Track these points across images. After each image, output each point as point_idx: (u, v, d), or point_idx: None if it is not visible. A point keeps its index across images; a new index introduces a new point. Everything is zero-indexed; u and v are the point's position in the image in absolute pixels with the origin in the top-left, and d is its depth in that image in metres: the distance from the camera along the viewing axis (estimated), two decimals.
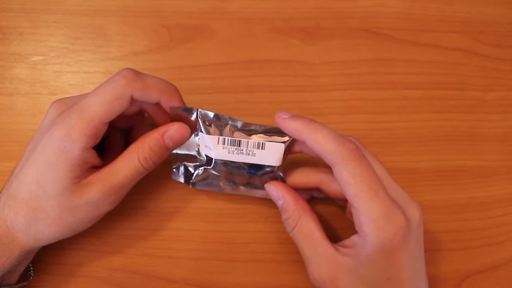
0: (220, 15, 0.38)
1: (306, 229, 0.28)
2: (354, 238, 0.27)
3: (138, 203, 0.34)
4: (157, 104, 0.29)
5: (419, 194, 0.35)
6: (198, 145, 0.30)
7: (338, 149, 0.27)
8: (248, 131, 0.29)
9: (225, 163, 0.29)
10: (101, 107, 0.26)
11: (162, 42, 0.37)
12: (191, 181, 0.32)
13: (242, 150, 0.29)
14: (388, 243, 0.25)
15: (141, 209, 0.34)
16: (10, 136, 0.35)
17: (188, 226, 0.34)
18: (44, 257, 0.32)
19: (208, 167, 0.30)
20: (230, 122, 0.29)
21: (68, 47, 0.37)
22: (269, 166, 0.29)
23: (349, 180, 0.26)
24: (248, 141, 0.29)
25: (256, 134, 0.29)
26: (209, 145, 0.29)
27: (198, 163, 0.31)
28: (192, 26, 0.38)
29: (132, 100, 0.27)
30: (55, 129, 0.26)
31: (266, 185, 0.30)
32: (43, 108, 0.35)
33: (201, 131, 0.29)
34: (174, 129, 0.29)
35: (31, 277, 0.31)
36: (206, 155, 0.30)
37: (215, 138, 0.29)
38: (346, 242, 0.28)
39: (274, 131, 0.29)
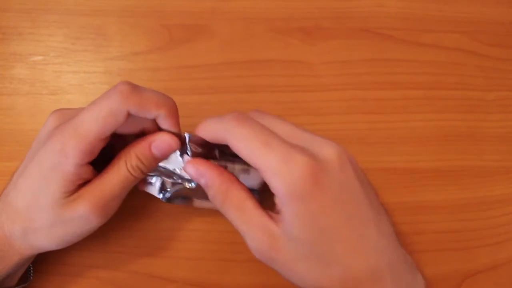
0: (220, 15, 0.38)
1: (236, 200, 0.26)
2: (275, 200, 0.25)
3: (138, 203, 0.34)
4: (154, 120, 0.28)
5: (419, 194, 0.35)
6: (182, 165, 0.30)
7: (221, 124, 0.26)
8: (233, 156, 0.28)
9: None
10: (95, 124, 0.25)
11: (162, 42, 0.37)
12: (166, 196, 0.31)
13: None
14: (299, 189, 0.23)
15: (141, 209, 0.34)
16: (10, 136, 0.35)
17: (188, 226, 0.34)
18: (44, 257, 0.31)
19: (187, 185, 0.30)
20: (217, 148, 0.28)
21: (68, 47, 0.37)
22: (251, 188, 0.29)
23: (239, 145, 0.25)
24: (234, 166, 0.28)
25: (239, 162, 0.29)
26: None
27: (177, 181, 0.30)
28: (192, 26, 0.38)
29: (129, 115, 0.26)
30: (50, 143, 0.26)
31: (184, 166, 0.28)
32: (43, 108, 0.35)
33: (188, 154, 0.28)
34: (162, 140, 0.28)
35: (30, 278, 0.31)
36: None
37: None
38: (276, 208, 0.26)
39: None
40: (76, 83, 0.36)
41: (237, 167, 0.29)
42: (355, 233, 0.25)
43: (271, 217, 0.26)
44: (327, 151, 0.25)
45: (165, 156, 0.29)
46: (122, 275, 0.33)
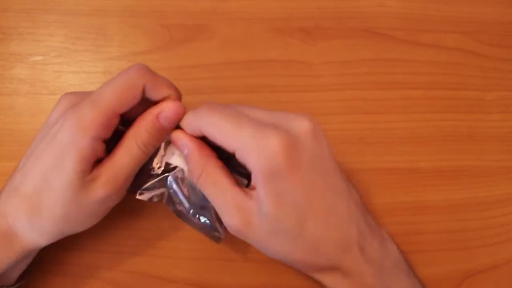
0: (220, 15, 0.38)
1: (212, 176, 0.27)
2: (252, 178, 0.26)
3: (138, 203, 0.34)
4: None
5: (419, 194, 0.35)
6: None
7: (195, 116, 0.27)
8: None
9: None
10: (114, 97, 0.26)
11: (162, 42, 0.37)
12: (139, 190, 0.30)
13: None
14: (273, 164, 0.24)
15: (141, 209, 0.34)
16: (10, 136, 0.35)
17: (188, 226, 0.34)
18: (44, 257, 0.31)
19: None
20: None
21: (68, 47, 0.37)
22: None
23: (213, 131, 0.25)
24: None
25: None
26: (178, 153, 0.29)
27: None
28: (192, 26, 0.38)
29: (144, 92, 0.26)
30: (66, 118, 0.25)
31: (171, 134, 0.28)
32: (43, 108, 0.35)
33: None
34: (169, 109, 0.27)
35: (28, 276, 0.30)
36: (167, 163, 0.29)
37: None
38: (251, 185, 0.26)
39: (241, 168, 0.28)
40: (76, 83, 0.36)
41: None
42: (325, 207, 0.25)
43: (246, 194, 0.26)
44: (300, 123, 0.25)
45: (173, 126, 0.28)
46: (122, 275, 0.33)
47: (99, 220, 0.28)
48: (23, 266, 0.29)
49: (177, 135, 0.28)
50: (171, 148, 0.29)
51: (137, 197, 0.30)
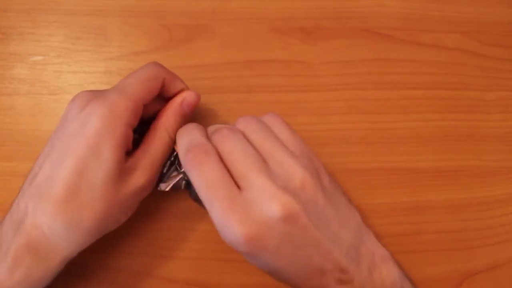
0: (220, 15, 0.38)
1: None
2: None
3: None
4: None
5: (419, 194, 0.35)
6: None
7: (181, 151, 0.27)
8: None
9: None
10: (139, 86, 0.27)
11: (162, 42, 0.37)
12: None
13: None
14: (240, 249, 0.25)
15: (141, 209, 0.34)
16: (10, 136, 0.35)
17: (188, 226, 0.34)
18: None
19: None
20: None
21: (68, 47, 0.37)
22: None
23: (194, 184, 0.26)
24: None
25: None
26: None
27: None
28: (192, 26, 0.38)
29: (163, 84, 0.29)
30: (94, 108, 0.25)
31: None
32: (43, 108, 0.35)
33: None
34: (189, 96, 0.30)
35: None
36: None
37: None
38: None
39: None
40: (76, 83, 0.36)
41: None
42: (298, 270, 0.26)
43: None
44: (270, 209, 0.24)
45: (192, 111, 0.31)
46: (122, 275, 0.33)
47: (129, 215, 0.29)
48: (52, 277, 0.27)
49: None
50: None
51: (158, 188, 0.30)
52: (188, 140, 0.27)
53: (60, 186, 0.24)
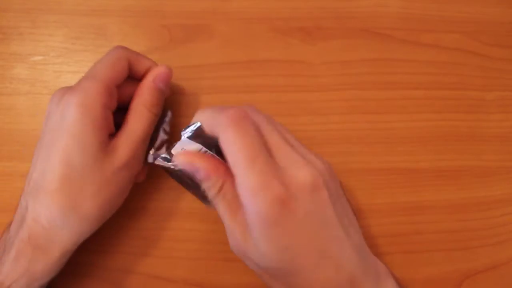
0: (220, 15, 0.38)
1: (229, 194, 0.27)
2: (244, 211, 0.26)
3: (138, 203, 0.34)
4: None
5: (419, 194, 0.35)
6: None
7: (217, 118, 0.26)
8: None
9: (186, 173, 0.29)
10: (107, 69, 0.28)
11: (162, 42, 0.37)
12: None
13: None
14: (266, 214, 0.24)
15: (141, 209, 0.34)
16: (10, 136, 0.35)
17: (188, 226, 0.34)
18: None
19: (167, 164, 0.30)
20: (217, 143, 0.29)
21: (68, 47, 0.37)
22: None
23: (228, 148, 0.25)
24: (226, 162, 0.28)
25: None
26: (188, 150, 0.29)
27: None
28: (192, 26, 0.38)
29: (129, 65, 0.30)
30: (68, 99, 0.26)
31: (174, 157, 0.29)
32: (43, 108, 0.35)
33: (187, 136, 0.29)
34: (160, 72, 0.31)
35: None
36: (173, 155, 0.29)
37: (198, 146, 0.28)
38: None
39: None
40: None
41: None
42: (318, 251, 0.25)
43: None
44: (303, 174, 0.25)
45: (168, 86, 0.32)
46: (122, 275, 0.33)
47: (126, 196, 0.29)
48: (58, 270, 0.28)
49: (183, 159, 0.28)
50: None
51: (150, 161, 0.31)
52: (219, 108, 0.27)
53: (52, 178, 0.25)
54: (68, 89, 0.28)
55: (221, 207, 0.27)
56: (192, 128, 0.28)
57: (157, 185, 0.34)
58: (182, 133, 0.29)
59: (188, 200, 0.34)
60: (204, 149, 0.28)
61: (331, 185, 0.26)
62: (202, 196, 0.30)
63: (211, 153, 0.28)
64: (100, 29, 0.37)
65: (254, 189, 0.24)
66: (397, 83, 0.38)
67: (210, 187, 0.28)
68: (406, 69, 0.38)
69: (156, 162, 0.30)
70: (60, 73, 0.36)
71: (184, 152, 0.28)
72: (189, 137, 0.28)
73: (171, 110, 0.33)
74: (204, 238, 0.34)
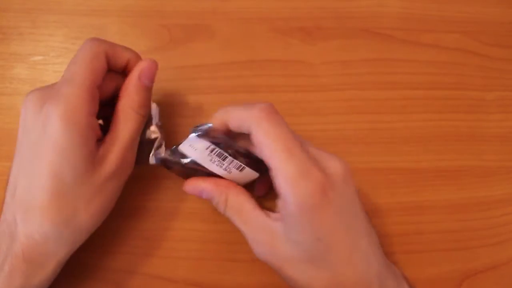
0: (220, 15, 0.38)
1: (236, 204, 0.28)
2: (278, 202, 0.26)
3: (138, 203, 0.34)
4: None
5: (419, 194, 0.35)
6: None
7: (249, 112, 0.26)
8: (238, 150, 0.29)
9: (194, 167, 0.29)
10: (84, 70, 0.26)
11: (162, 42, 0.37)
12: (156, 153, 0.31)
13: (223, 164, 0.28)
14: (307, 202, 0.24)
15: (141, 209, 0.34)
16: (10, 136, 0.35)
17: (188, 226, 0.34)
18: None
19: (176, 159, 0.29)
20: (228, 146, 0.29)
21: (68, 47, 0.37)
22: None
23: (264, 140, 0.25)
24: (232, 160, 0.28)
25: (239, 157, 0.29)
26: (196, 147, 0.28)
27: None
28: (192, 26, 0.38)
29: (107, 58, 0.27)
30: (49, 110, 0.24)
31: (184, 188, 0.30)
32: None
33: (196, 134, 0.28)
34: (145, 68, 0.29)
35: None
36: (180, 151, 0.29)
37: (206, 143, 0.28)
38: (277, 208, 0.27)
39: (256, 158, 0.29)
40: None
41: (235, 162, 0.29)
42: (349, 243, 0.26)
43: (268, 216, 0.27)
44: (336, 167, 0.26)
45: (153, 81, 0.29)
46: (122, 275, 0.33)
47: (115, 202, 0.29)
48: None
49: (190, 187, 0.29)
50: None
51: (152, 162, 0.30)
52: (246, 105, 0.27)
53: (41, 194, 0.25)
54: (47, 96, 0.26)
55: (235, 219, 0.28)
56: (203, 127, 0.28)
57: (157, 185, 0.34)
58: (190, 129, 0.29)
59: (189, 200, 0.34)
60: (212, 146, 0.28)
61: (353, 179, 0.27)
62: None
63: (220, 150, 0.28)
64: (100, 29, 0.37)
65: (295, 177, 0.24)
66: (397, 83, 0.38)
67: (217, 204, 0.29)
68: (406, 69, 0.38)
69: (160, 163, 0.30)
70: (60, 73, 0.36)
71: (189, 181, 0.30)
72: (198, 135, 0.28)
73: (157, 103, 0.32)
74: (205, 238, 0.34)
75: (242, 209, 0.28)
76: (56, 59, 0.37)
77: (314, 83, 0.37)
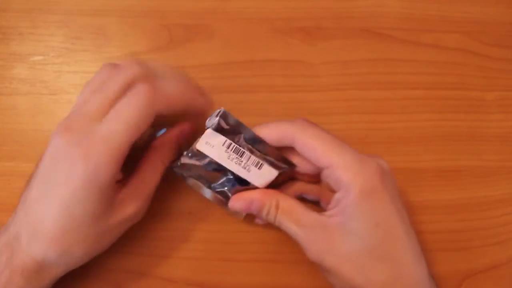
0: (220, 15, 0.38)
1: (287, 206, 0.28)
2: (336, 196, 0.27)
3: None
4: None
5: (419, 194, 0.35)
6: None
7: (291, 125, 0.28)
8: (253, 145, 0.29)
9: (213, 167, 0.29)
10: (127, 134, 0.25)
11: (162, 42, 0.37)
12: (175, 164, 0.30)
13: (242, 161, 0.28)
14: (368, 186, 0.26)
15: None
16: (10, 136, 0.35)
17: (188, 226, 0.34)
18: None
19: (191, 161, 0.29)
20: (243, 132, 0.28)
21: (68, 47, 0.37)
22: (252, 185, 0.29)
23: (313, 143, 0.27)
24: (250, 156, 0.28)
25: (256, 154, 0.29)
26: (213, 143, 0.28)
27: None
28: (192, 26, 0.38)
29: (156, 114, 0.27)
30: (79, 164, 0.24)
31: (230, 204, 0.30)
32: (43, 108, 0.35)
33: (212, 128, 0.28)
34: (186, 129, 0.30)
35: None
36: (198, 150, 0.29)
37: (223, 139, 0.28)
38: (330, 205, 0.28)
39: (276, 157, 0.29)
40: (76, 83, 0.36)
41: (252, 158, 0.29)
42: (406, 233, 0.27)
43: (321, 214, 0.27)
44: (379, 159, 0.28)
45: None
46: (122, 275, 0.33)
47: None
48: None
49: (238, 203, 0.29)
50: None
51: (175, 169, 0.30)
52: (282, 121, 0.29)
53: (51, 227, 0.25)
54: (75, 141, 0.25)
55: (286, 222, 0.28)
56: (215, 120, 0.28)
57: (157, 185, 0.34)
58: (206, 123, 0.29)
59: (189, 200, 0.34)
60: (229, 141, 0.28)
61: None
62: (220, 200, 0.31)
63: (236, 145, 0.28)
64: (100, 29, 0.37)
65: (355, 165, 0.26)
66: (397, 83, 0.38)
67: (268, 211, 0.29)
68: (406, 69, 0.38)
69: (179, 170, 0.30)
70: (60, 73, 0.36)
71: (233, 198, 0.30)
72: (214, 129, 0.28)
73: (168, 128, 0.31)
74: (204, 238, 0.34)
75: (293, 211, 0.28)
76: (56, 59, 0.37)
77: (314, 83, 0.37)
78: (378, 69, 0.38)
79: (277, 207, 0.28)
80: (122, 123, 0.25)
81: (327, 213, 0.28)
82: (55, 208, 0.25)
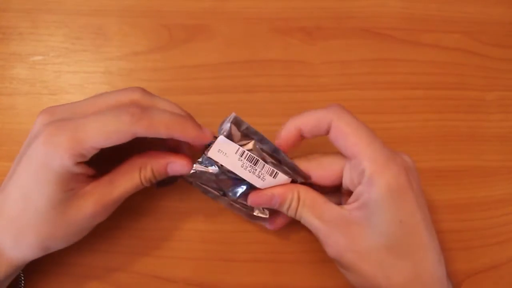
0: (220, 15, 0.38)
1: (308, 199, 0.28)
2: (359, 189, 0.26)
3: (137, 203, 0.34)
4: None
5: None
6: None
7: (326, 110, 0.28)
8: (267, 156, 0.28)
9: (227, 174, 0.28)
10: (97, 135, 0.25)
11: (162, 42, 0.37)
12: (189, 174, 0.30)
13: (256, 170, 0.28)
14: (394, 183, 0.25)
15: (141, 209, 0.34)
16: (10, 136, 0.35)
17: (188, 226, 0.34)
18: (44, 257, 0.31)
19: (206, 169, 0.29)
20: (255, 138, 0.28)
21: (68, 47, 0.37)
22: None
23: (348, 129, 0.27)
24: (264, 164, 0.28)
25: (271, 163, 0.28)
26: (226, 151, 0.28)
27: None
28: (192, 26, 0.38)
29: (134, 136, 0.26)
30: (41, 143, 0.25)
31: (251, 200, 0.29)
32: (43, 108, 0.35)
33: (224, 135, 0.28)
34: (180, 164, 0.28)
35: (22, 286, 0.30)
36: (210, 158, 0.28)
37: (236, 147, 0.28)
38: (351, 199, 0.27)
39: (290, 167, 0.28)
40: (76, 83, 0.36)
41: (267, 167, 0.28)
42: (428, 231, 0.26)
43: (342, 208, 0.27)
44: (406, 158, 0.28)
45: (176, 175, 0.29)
46: (122, 275, 0.33)
47: (82, 237, 0.29)
48: (10, 279, 0.28)
49: (257, 198, 0.28)
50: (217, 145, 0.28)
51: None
52: (315, 110, 0.29)
53: (10, 208, 0.26)
54: (51, 121, 0.26)
55: (308, 216, 0.28)
56: (227, 126, 0.28)
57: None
58: (218, 129, 0.28)
59: (189, 200, 0.34)
60: (241, 149, 0.28)
61: None
62: (237, 209, 0.31)
63: (249, 153, 0.28)
64: (100, 29, 0.37)
65: (384, 160, 0.26)
66: (397, 83, 0.38)
67: (290, 204, 0.28)
68: (406, 69, 0.38)
69: (190, 179, 0.29)
70: (60, 73, 0.36)
71: (252, 194, 0.29)
72: (226, 136, 0.27)
73: None
74: (204, 238, 0.34)
75: (315, 204, 0.28)
76: (56, 59, 0.37)
77: (314, 83, 0.37)
78: (378, 69, 0.38)
79: (298, 200, 0.28)
80: (98, 123, 0.25)
81: (347, 207, 0.27)
82: (16, 187, 0.26)
